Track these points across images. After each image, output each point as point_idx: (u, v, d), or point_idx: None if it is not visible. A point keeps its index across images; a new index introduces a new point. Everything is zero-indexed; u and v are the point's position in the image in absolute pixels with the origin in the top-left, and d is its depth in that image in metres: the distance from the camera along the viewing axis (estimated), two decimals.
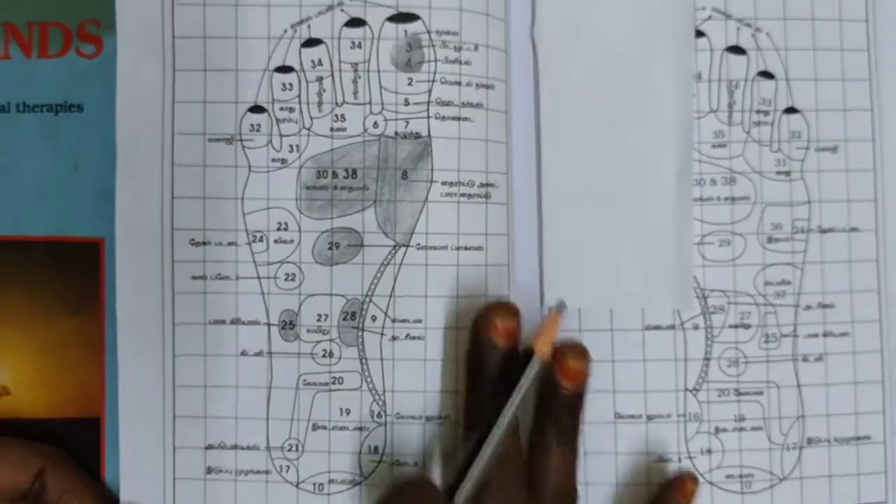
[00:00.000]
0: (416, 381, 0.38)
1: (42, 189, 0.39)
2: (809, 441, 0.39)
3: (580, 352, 0.35)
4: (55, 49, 0.39)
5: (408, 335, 0.38)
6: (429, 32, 0.38)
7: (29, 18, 0.39)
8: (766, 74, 0.39)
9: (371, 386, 0.38)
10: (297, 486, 0.38)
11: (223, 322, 0.38)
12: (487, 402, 0.35)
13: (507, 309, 0.36)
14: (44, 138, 0.39)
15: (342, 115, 0.38)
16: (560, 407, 0.35)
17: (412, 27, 0.38)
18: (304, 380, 0.38)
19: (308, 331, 0.38)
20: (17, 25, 0.39)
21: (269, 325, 0.38)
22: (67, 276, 0.39)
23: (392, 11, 0.38)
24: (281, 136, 0.38)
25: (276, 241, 0.38)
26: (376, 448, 0.38)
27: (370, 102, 0.38)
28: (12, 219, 0.39)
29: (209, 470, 0.38)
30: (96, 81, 0.39)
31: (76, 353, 0.39)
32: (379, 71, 0.38)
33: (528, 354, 0.35)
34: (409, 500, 0.33)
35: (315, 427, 0.38)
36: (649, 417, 0.39)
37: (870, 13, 0.40)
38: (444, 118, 0.38)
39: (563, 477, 0.35)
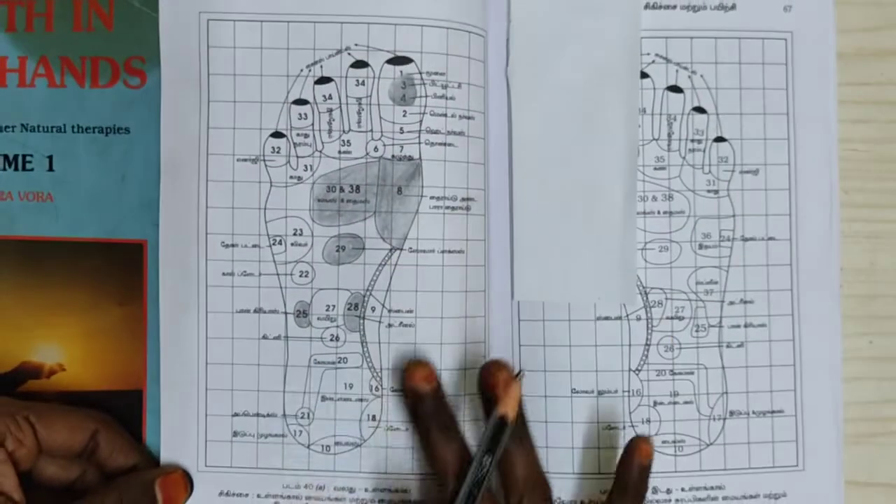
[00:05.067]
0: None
1: (94, 198, 0.42)
2: (732, 413, 0.41)
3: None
4: (105, 80, 0.42)
5: (401, 323, 0.40)
6: (420, 73, 0.40)
7: (82, 54, 0.42)
8: (700, 109, 0.42)
9: (370, 365, 0.40)
10: (308, 447, 0.41)
11: (248, 311, 0.41)
12: (451, 458, 0.37)
13: (420, 362, 0.38)
14: (96, 155, 0.42)
15: (348, 141, 0.41)
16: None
17: (407, 69, 0.40)
18: (315, 359, 0.41)
19: (318, 319, 0.41)
20: (72, 59, 0.42)
21: (286, 313, 0.41)
22: (115, 273, 0.41)
23: (390, 55, 0.40)
24: (297, 157, 0.41)
25: (292, 245, 0.41)
26: (374, 416, 0.40)
27: (372, 130, 0.41)
28: (69, 223, 0.41)
29: (235, 434, 0.41)
30: (141, 108, 0.41)
31: (122, 337, 0.42)
32: (379, 104, 0.40)
33: (497, 421, 0.36)
34: None
35: (323, 398, 0.41)
36: (600, 393, 0.41)
37: (788, 58, 0.42)
38: (432, 144, 0.40)
39: None
